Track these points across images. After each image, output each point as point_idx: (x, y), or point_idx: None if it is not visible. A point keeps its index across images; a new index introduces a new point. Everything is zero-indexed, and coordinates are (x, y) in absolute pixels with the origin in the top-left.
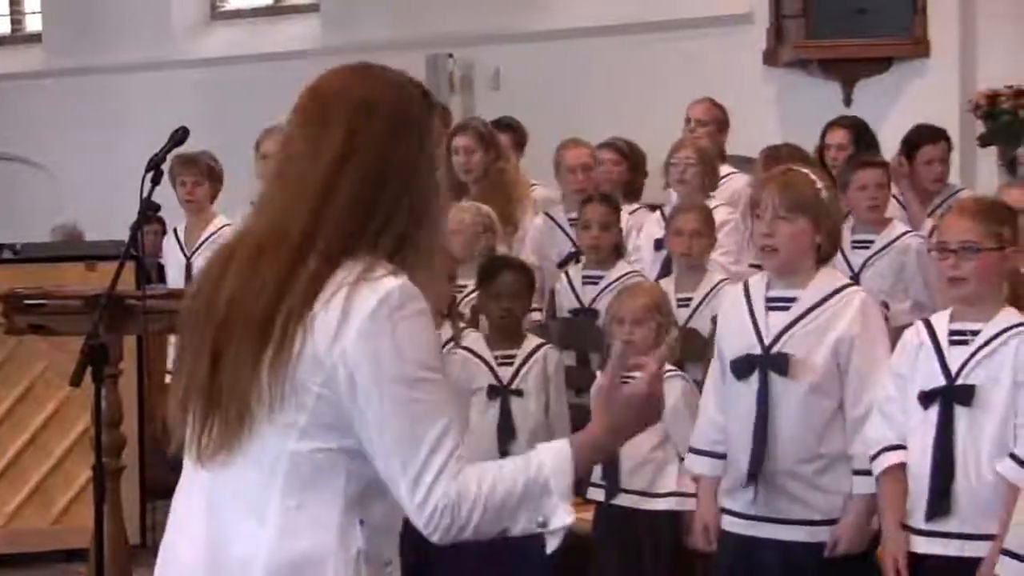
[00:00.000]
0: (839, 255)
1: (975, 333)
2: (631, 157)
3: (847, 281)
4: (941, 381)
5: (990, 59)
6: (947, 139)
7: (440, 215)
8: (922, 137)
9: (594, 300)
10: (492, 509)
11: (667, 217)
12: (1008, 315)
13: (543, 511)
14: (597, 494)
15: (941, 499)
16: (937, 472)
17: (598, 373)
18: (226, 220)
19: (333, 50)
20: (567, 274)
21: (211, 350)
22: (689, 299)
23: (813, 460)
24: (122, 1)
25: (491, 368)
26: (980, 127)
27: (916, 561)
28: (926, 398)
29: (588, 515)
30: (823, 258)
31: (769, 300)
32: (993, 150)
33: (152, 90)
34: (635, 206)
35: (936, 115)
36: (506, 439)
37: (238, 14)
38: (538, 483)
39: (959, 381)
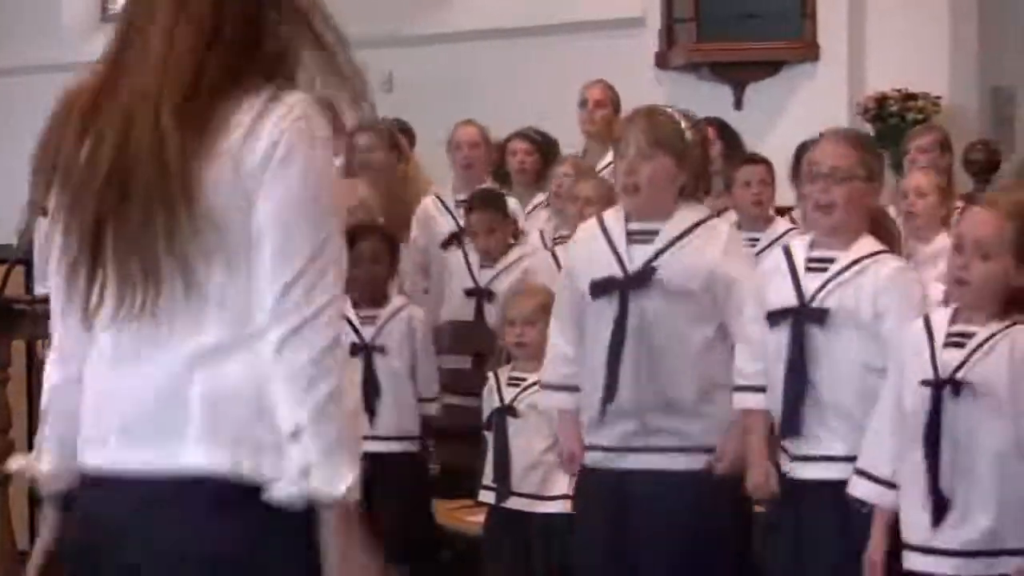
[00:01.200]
0: None
1: (832, 260)
2: (543, 147)
3: (709, 212)
4: (794, 302)
5: (879, 62)
6: None
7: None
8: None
9: (490, 282)
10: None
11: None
12: (866, 244)
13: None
14: (488, 497)
15: (793, 416)
16: (790, 391)
17: (490, 375)
18: None
19: None
20: (464, 252)
21: (95, 216)
22: None
23: (691, 389)
24: (10, 2)
25: (354, 327)
26: (869, 130)
27: (789, 484)
28: (777, 316)
29: (480, 518)
30: (692, 196)
31: (630, 233)
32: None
33: (41, 92)
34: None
35: (825, 118)
36: (372, 396)
37: None
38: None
39: (813, 304)
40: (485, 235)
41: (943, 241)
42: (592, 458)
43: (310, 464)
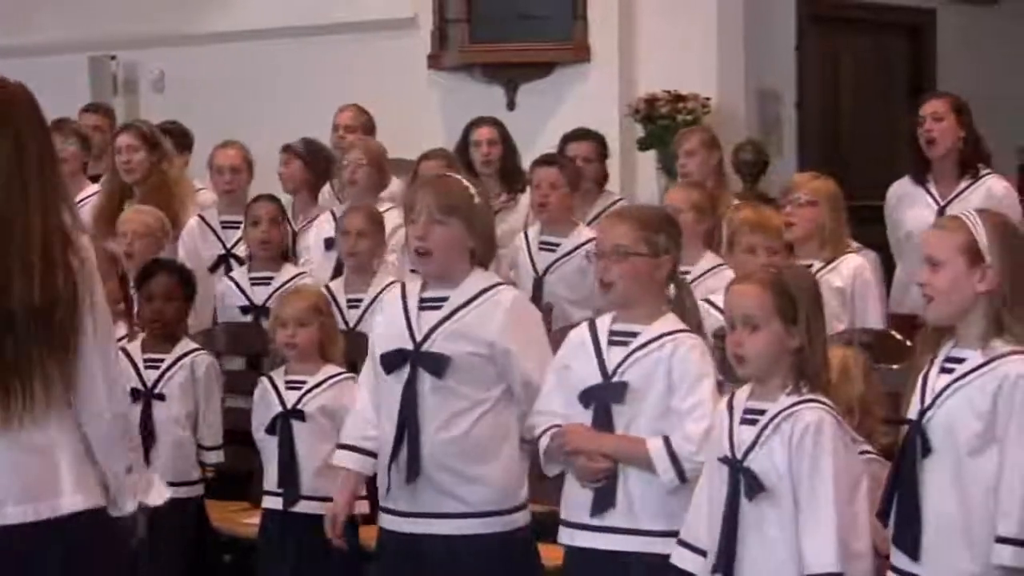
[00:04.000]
0: (525, 256)
1: (634, 335)
2: (312, 157)
3: (496, 280)
4: (598, 379)
5: (649, 64)
6: (595, 139)
7: None
8: (568, 138)
9: (266, 300)
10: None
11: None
12: (666, 322)
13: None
14: (275, 502)
15: (605, 496)
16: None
17: (263, 379)
18: None
19: None
20: (232, 277)
21: None
22: (360, 300)
23: (464, 453)
24: None
25: (137, 371)
26: (640, 131)
27: (577, 554)
28: (584, 397)
29: (256, 519)
30: (479, 262)
31: (423, 300)
32: (652, 154)
33: None
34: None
35: (597, 119)
36: (146, 443)
37: None
38: None
39: (614, 379)
40: (269, 224)
41: (710, 261)
42: (386, 520)
43: None
